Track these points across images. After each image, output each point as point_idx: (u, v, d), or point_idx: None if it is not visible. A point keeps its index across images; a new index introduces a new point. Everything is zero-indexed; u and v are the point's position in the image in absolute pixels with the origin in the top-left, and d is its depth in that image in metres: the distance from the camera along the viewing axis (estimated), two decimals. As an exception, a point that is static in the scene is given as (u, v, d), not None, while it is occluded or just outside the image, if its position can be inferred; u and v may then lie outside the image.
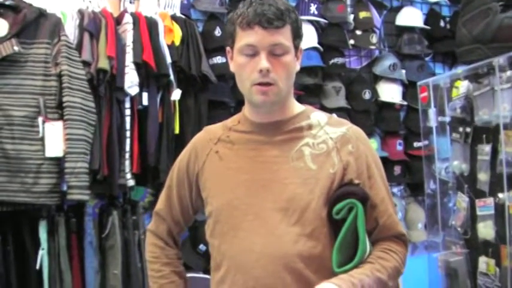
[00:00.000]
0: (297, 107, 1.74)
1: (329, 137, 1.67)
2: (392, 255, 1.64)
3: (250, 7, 1.59)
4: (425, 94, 3.44)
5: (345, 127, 1.70)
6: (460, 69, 3.19)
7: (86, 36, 3.04)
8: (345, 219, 1.59)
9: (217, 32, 3.58)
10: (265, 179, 1.64)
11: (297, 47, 1.66)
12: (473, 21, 2.88)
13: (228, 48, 1.70)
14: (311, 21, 3.90)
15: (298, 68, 1.68)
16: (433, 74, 4.04)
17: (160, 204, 1.89)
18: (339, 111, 3.81)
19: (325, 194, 1.61)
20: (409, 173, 4.18)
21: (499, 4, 2.84)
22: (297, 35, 1.64)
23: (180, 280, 1.85)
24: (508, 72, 2.71)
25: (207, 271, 1.77)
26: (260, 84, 1.59)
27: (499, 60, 2.74)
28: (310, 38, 3.81)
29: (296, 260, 1.58)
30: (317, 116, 1.72)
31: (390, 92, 4.13)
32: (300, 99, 3.27)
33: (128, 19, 3.18)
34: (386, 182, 1.72)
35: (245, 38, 1.59)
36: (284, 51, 1.60)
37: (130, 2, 3.39)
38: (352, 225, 1.59)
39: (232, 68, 1.68)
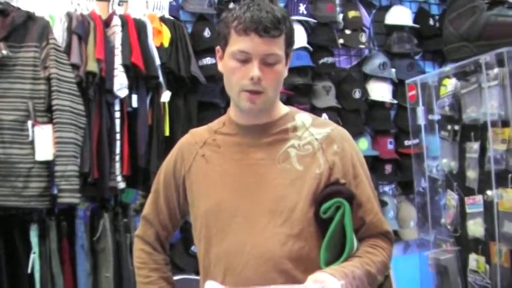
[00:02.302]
0: (282, 109, 1.74)
1: (314, 138, 1.68)
2: (380, 250, 1.67)
3: (247, 12, 1.57)
4: (413, 92, 3.43)
5: (330, 128, 1.71)
6: (447, 67, 3.20)
7: (75, 39, 3.04)
8: (332, 218, 1.61)
9: (207, 33, 3.58)
10: (252, 182, 1.65)
11: (288, 55, 1.66)
12: (459, 19, 2.88)
13: (217, 48, 1.69)
14: (300, 21, 3.90)
15: (286, 74, 1.69)
16: (423, 73, 4.03)
17: (147, 209, 1.89)
18: (329, 110, 3.82)
19: (311, 195, 1.62)
20: (401, 172, 4.18)
21: (485, 2, 2.84)
22: (290, 44, 1.65)
23: (168, 286, 1.85)
24: (495, 70, 2.71)
25: (199, 272, 1.78)
26: (250, 91, 1.59)
27: (486, 57, 2.74)
28: (299, 37, 3.80)
29: (285, 261, 1.60)
30: (302, 118, 1.74)
31: (380, 91, 4.14)
32: (290, 99, 3.31)
33: (116, 21, 3.18)
34: (371, 181, 1.73)
35: (239, 43, 1.58)
36: (276, 61, 1.60)
37: (119, 5, 3.39)
38: (340, 224, 1.61)
39: (221, 68, 1.69)
